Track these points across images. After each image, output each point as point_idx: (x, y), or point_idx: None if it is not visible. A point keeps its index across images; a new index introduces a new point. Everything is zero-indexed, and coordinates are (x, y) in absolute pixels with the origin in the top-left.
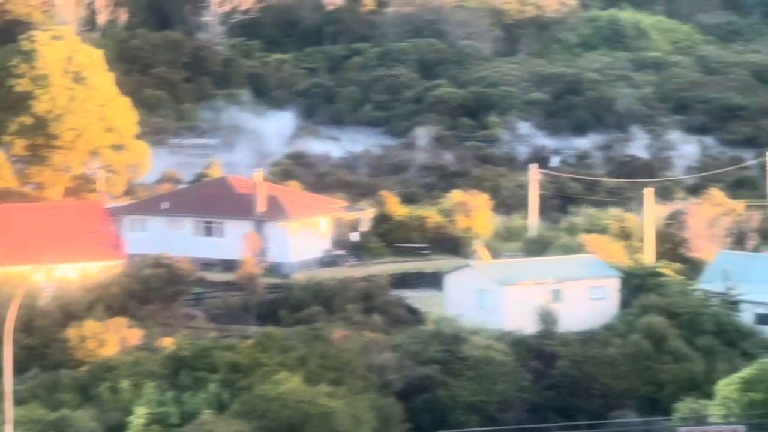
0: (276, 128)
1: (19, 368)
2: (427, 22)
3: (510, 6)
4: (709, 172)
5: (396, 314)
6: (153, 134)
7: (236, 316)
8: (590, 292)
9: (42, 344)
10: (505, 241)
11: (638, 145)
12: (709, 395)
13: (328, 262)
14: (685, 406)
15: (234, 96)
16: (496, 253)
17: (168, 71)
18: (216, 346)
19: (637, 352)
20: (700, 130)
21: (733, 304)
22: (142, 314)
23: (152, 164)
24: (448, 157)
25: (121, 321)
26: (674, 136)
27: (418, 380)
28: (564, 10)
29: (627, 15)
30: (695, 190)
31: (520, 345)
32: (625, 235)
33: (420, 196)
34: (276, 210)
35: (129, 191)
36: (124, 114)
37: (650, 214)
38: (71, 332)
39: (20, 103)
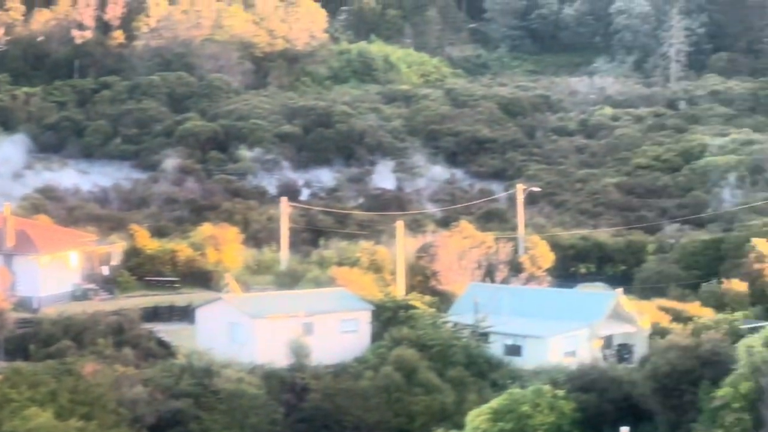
0: (18, 161)
1: None
2: (176, 55)
3: (259, 39)
4: (459, 205)
5: (147, 348)
6: None
7: None
8: (342, 325)
9: None
10: (256, 274)
11: (389, 178)
12: (459, 426)
13: (79, 296)
14: None
15: None
16: (247, 287)
17: None
18: None
19: (388, 385)
20: (449, 162)
21: (483, 335)
22: None
23: None
24: (198, 191)
25: None
26: (424, 168)
27: (170, 414)
28: (314, 44)
29: (376, 48)
30: (445, 222)
31: (272, 378)
32: (376, 267)
33: (170, 229)
34: (25, 244)
35: None
36: None
37: (401, 246)
38: None
39: None
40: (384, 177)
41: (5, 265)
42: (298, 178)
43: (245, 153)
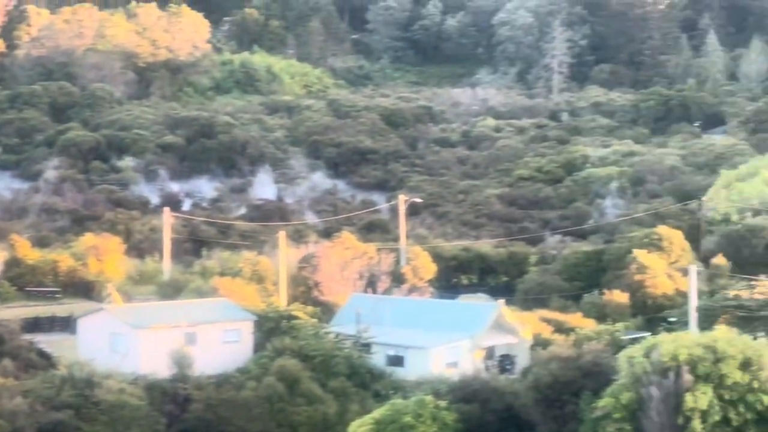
0: None
1: None
2: (58, 65)
3: (142, 49)
4: (341, 216)
5: (28, 359)
6: None
7: None
8: (224, 335)
9: None
10: (139, 284)
11: (271, 188)
12: None
13: None
14: None
15: None
16: (129, 297)
17: None
18: None
19: (270, 395)
20: (332, 173)
21: (366, 346)
22: None
23: None
24: (80, 201)
25: None
26: (306, 179)
27: (50, 426)
28: (197, 54)
29: (259, 59)
30: (327, 233)
31: (154, 389)
32: (258, 278)
33: (52, 239)
34: None
35: None
36: None
37: (283, 257)
38: None
39: None
40: (266, 188)
41: None
42: (181, 188)
43: (127, 163)
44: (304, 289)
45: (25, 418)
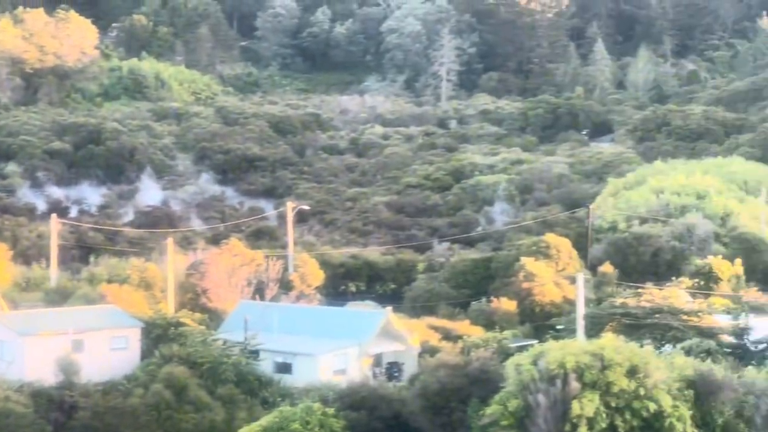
0: None
1: None
2: None
3: (29, 55)
4: (229, 223)
5: None
6: None
7: None
8: (112, 342)
9: None
10: (25, 291)
11: (158, 195)
12: None
13: None
14: None
15: None
16: (15, 304)
17: None
18: None
19: (158, 402)
20: (220, 180)
21: (253, 353)
22: None
23: None
24: None
25: None
26: (194, 186)
27: None
28: (84, 60)
29: (148, 65)
30: (215, 240)
31: (40, 396)
32: (146, 285)
33: None
34: None
35: None
36: None
37: (171, 264)
38: None
39: None
40: (154, 194)
41: None
42: (68, 194)
43: (14, 169)
44: (191, 296)
45: None
